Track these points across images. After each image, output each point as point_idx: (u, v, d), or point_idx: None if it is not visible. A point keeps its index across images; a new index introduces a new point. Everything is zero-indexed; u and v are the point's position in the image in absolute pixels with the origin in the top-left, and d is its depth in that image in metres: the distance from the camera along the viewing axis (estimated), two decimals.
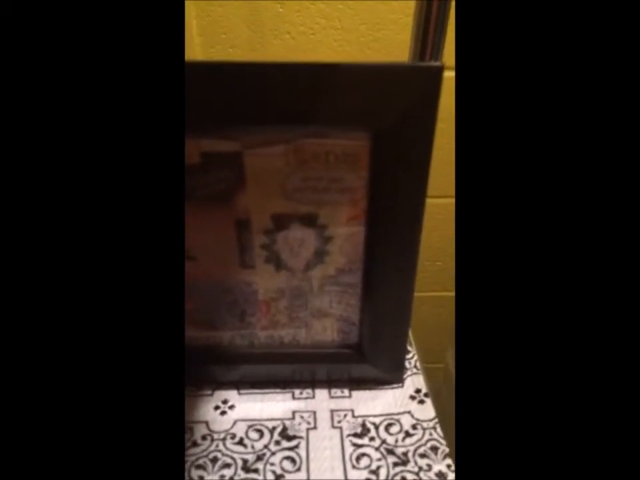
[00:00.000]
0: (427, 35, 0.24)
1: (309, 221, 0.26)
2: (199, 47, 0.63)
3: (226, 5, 0.60)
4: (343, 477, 0.26)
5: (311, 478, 0.26)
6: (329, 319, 0.30)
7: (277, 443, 0.28)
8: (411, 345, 0.35)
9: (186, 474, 0.26)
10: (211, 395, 0.31)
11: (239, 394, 0.31)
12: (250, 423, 0.29)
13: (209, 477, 0.26)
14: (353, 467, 0.27)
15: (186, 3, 0.58)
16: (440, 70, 0.22)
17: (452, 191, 0.62)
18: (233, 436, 0.28)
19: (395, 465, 0.27)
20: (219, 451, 0.27)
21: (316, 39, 0.64)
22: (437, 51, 0.25)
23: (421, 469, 0.26)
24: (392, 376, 0.32)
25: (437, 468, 0.26)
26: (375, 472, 0.26)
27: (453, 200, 0.64)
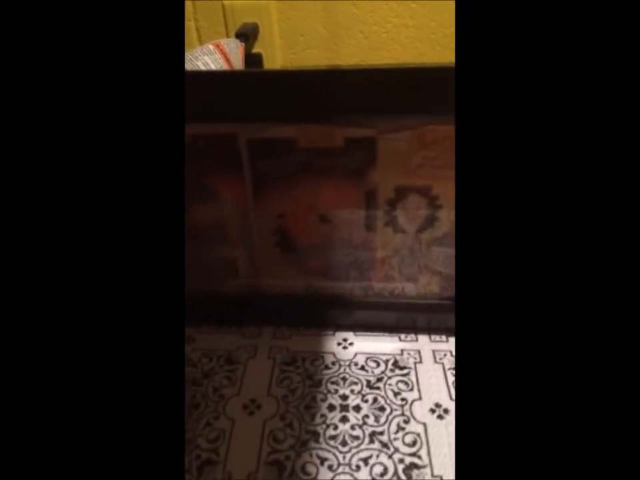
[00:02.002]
0: None
1: (424, 191, 0.33)
2: (279, 48, 0.71)
3: (305, 8, 0.68)
4: (447, 397, 0.33)
5: (423, 396, 0.33)
6: (434, 275, 0.36)
7: (392, 370, 0.35)
8: None
9: (322, 387, 0.34)
10: (333, 334, 0.39)
11: (355, 335, 0.39)
12: (368, 356, 0.36)
13: (342, 390, 0.33)
14: (450, 387, 0.33)
15: (269, 7, 0.66)
16: None
17: None
18: (356, 364, 0.36)
19: None
20: (347, 373, 0.35)
21: (388, 37, 0.69)
22: None
23: None
24: None
25: None
26: None
27: None
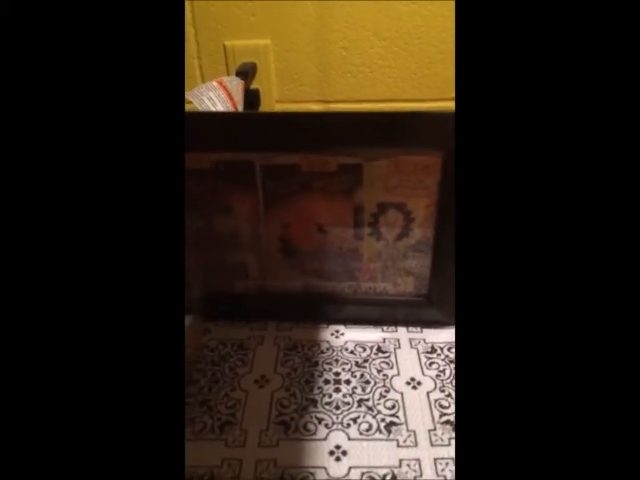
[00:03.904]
0: None
1: (400, 207, 0.41)
2: (275, 85, 0.79)
3: (299, 50, 0.77)
4: (420, 373, 0.40)
5: (400, 373, 0.40)
6: (409, 276, 0.44)
7: (375, 354, 0.42)
8: None
9: (319, 366, 0.41)
10: (327, 327, 0.46)
11: (345, 327, 0.46)
12: (356, 343, 0.44)
13: (335, 369, 0.41)
14: (427, 369, 0.41)
15: (266, 48, 0.75)
16: None
17: None
18: (346, 349, 0.43)
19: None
20: (339, 356, 0.42)
21: (373, 76, 0.79)
22: None
23: None
24: (451, 318, 0.45)
25: None
26: (442, 371, 0.40)
27: None
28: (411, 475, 0.32)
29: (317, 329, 0.46)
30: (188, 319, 0.43)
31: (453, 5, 0.43)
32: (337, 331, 0.45)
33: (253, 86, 0.73)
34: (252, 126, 0.38)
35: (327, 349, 0.43)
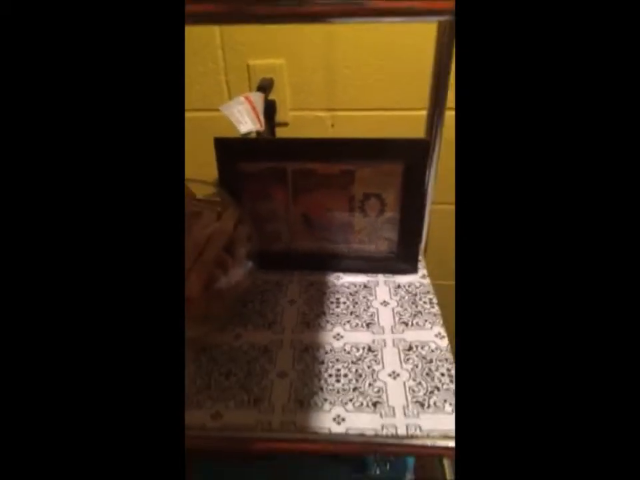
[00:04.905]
0: (432, 120, 0.63)
1: (378, 196, 0.65)
2: (289, 97, 0.95)
3: (309, 68, 0.92)
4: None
5: (378, 299, 0.65)
6: (384, 240, 0.69)
7: (362, 289, 0.67)
8: (422, 254, 0.74)
9: (327, 295, 0.66)
10: (332, 274, 0.71)
11: (343, 274, 0.71)
12: (350, 283, 0.69)
13: (337, 296, 0.66)
14: (393, 296, 0.66)
15: (282, 67, 0.90)
16: (427, 143, 0.60)
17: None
18: (344, 286, 0.68)
19: (411, 302, 0.66)
20: (339, 290, 0.67)
21: (371, 89, 0.92)
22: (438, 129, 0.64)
23: (426, 302, 0.65)
24: (412, 267, 0.70)
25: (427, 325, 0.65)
26: (402, 299, 0.65)
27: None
28: (389, 433, 0.47)
29: (325, 275, 0.71)
30: (248, 266, 0.66)
31: (432, 33, 0.59)
32: (338, 277, 0.70)
33: (271, 97, 0.88)
34: (286, 147, 0.62)
35: (332, 286, 0.68)
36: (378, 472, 0.69)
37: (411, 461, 0.64)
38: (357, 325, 0.61)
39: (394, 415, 0.48)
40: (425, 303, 0.64)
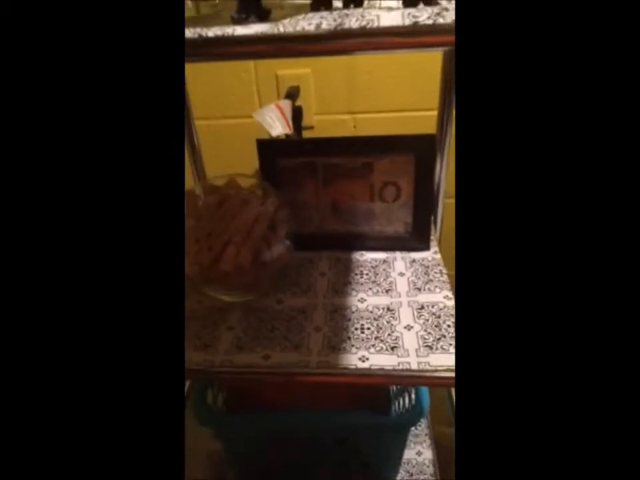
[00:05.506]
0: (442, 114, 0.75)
1: (394, 184, 0.77)
2: (314, 103, 1.08)
3: (332, 76, 1.04)
4: (406, 273, 0.77)
5: (395, 271, 0.77)
6: (399, 222, 0.81)
7: (382, 264, 0.79)
8: (434, 231, 0.85)
9: (352, 271, 0.78)
10: (356, 252, 0.83)
11: (366, 252, 0.83)
12: (372, 258, 0.81)
13: (361, 269, 0.78)
14: (409, 268, 0.77)
15: (307, 76, 1.04)
16: (433, 138, 0.72)
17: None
18: (367, 261, 0.80)
19: (424, 273, 0.77)
20: (363, 264, 0.79)
21: (388, 92, 1.03)
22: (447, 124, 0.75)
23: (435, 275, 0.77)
24: (425, 245, 0.82)
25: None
26: (416, 273, 0.77)
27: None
28: (405, 368, 0.58)
29: (350, 253, 0.83)
30: (287, 244, 0.79)
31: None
32: (362, 254, 0.82)
33: (298, 103, 0.95)
34: (316, 145, 0.75)
35: (356, 262, 0.80)
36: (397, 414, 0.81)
37: (426, 405, 0.75)
38: (378, 291, 0.73)
39: (408, 355, 0.60)
40: (435, 273, 0.76)
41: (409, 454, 0.99)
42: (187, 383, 0.95)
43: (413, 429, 1.04)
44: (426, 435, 1.04)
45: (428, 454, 0.99)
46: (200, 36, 0.39)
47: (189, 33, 0.39)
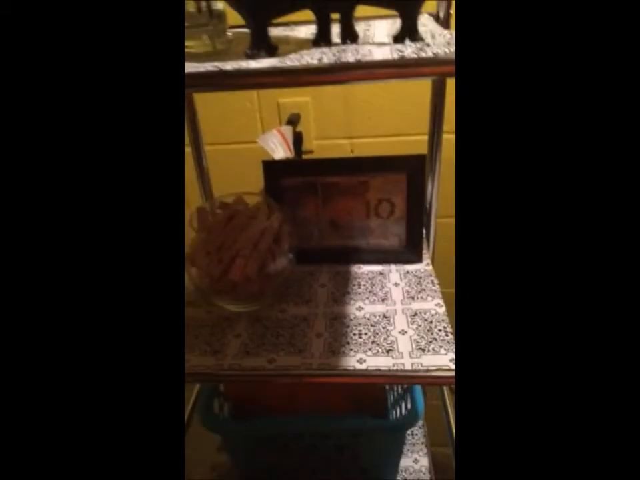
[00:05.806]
0: (432, 137, 0.82)
1: (388, 200, 0.83)
2: (313, 129, 1.15)
3: (330, 103, 1.11)
4: (400, 284, 0.82)
5: (390, 282, 0.83)
6: (395, 236, 0.87)
7: (378, 275, 0.85)
8: (427, 248, 0.91)
9: (350, 281, 0.84)
10: (354, 265, 0.89)
11: (363, 265, 0.88)
12: (369, 271, 0.86)
13: (358, 280, 0.83)
14: (403, 278, 0.83)
15: (307, 104, 1.13)
16: (423, 157, 0.79)
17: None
18: (364, 273, 0.86)
19: (417, 283, 0.83)
20: (360, 276, 0.85)
21: (383, 119, 1.10)
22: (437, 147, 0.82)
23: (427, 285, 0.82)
24: (418, 258, 0.87)
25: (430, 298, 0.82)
26: (409, 283, 0.82)
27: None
28: (399, 368, 0.63)
29: (349, 266, 0.88)
30: (290, 257, 0.84)
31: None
32: (359, 267, 0.88)
33: (298, 129, 0.98)
34: (317, 165, 0.82)
35: (354, 274, 0.86)
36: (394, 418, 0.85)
37: (421, 408, 0.80)
38: (374, 300, 0.78)
39: (402, 357, 0.65)
40: (427, 283, 0.81)
41: (406, 462, 1.02)
42: (196, 388, 0.99)
43: (409, 437, 1.08)
44: (422, 443, 1.07)
45: (424, 461, 1.03)
46: (219, 69, 0.46)
47: (209, 66, 0.46)
